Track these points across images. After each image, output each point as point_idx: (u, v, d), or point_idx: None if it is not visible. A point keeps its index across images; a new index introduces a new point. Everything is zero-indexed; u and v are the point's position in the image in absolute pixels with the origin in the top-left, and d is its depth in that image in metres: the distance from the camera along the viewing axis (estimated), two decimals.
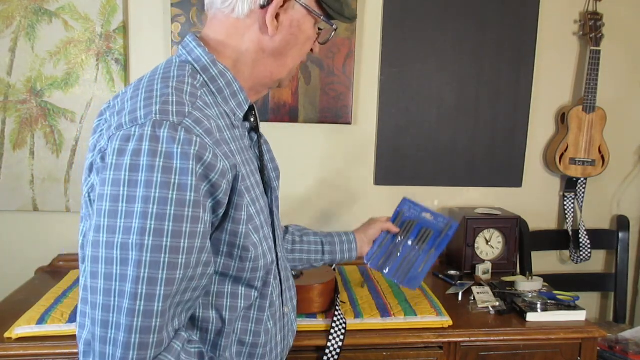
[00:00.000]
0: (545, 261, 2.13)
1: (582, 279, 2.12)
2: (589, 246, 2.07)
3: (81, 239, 0.82)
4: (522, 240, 2.00)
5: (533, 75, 2.01)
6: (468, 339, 1.41)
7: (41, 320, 1.36)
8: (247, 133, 0.93)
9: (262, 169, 0.94)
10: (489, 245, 1.90)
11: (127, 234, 0.68)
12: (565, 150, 2.01)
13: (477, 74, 1.98)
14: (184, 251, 0.70)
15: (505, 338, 1.43)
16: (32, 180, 1.83)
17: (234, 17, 0.85)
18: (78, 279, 1.50)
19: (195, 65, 0.84)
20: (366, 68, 1.94)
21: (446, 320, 1.42)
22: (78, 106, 1.81)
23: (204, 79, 0.84)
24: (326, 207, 1.96)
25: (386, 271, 1.36)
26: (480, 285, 1.69)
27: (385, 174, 1.99)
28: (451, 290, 1.67)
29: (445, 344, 1.40)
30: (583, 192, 2.08)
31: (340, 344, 1.32)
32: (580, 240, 2.07)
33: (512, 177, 2.06)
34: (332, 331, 1.33)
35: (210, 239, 0.78)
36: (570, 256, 2.10)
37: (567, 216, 2.09)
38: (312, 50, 0.95)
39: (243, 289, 0.84)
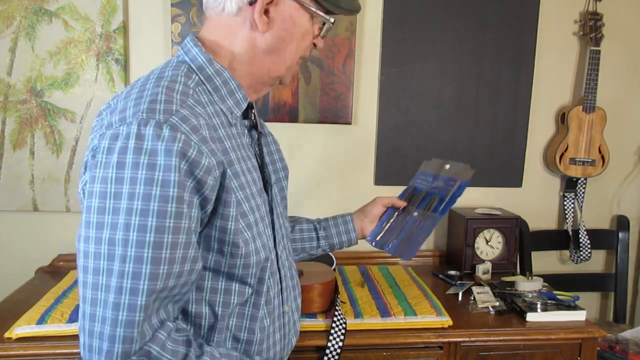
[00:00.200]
0: (545, 261, 2.13)
1: (582, 279, 2.12)
2: (589, 246, 2.07)
3: None
4: (522, 240, 2.00)
5: (533, 75, 2.01)
6: (468, 339, 1.41)
7: (41, 320, 1.36)
8: (246, 131, 0.94)
9: (261, 167, 0.94)
10: (489, 245, 1.90)
11: (113, 229, 0.70)
12: (565, 150, 2.01)
13: (477, 74, 1.98)
14: (167, 246, 0.72)
15: (505, 338, 1.43)
16: (32, 180, 1.83)
17: (225, 16, 0.86)
18: None
19: (192, 65, 0.85)
20: (366, 68, 1.94)
21: (446, 320, 1.42)
22: (78, 106, 1.81)
23: (200, 78, 0.85)
24: (326, 207, 1.95)
25: (388, 248, 1.22)
26: (480, 285, 1.69)
27: (385, 174, 1.99)
28: (451, 290, 1.67)
29: (445, 344, 1.40)
30: (583, 192, 2.08)
31: (340, 344, 1.32)
32: (580, 240, 2.07)
33: (512, 177, 2.06)
34: (332, 331, 1.33)
35: (201, 235, 0.79)
36: (570, 256, 2.10)
37: (567, 216, 2.09)
38: (315, 45, 0.93)
39: (237, 285, 0.85)
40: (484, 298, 1.58)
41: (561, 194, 2.12)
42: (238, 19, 0.85)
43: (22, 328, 1.32)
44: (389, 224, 1.25)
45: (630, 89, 2.10)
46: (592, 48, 1.96)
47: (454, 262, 1.95)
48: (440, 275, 1.83)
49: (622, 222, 2.13)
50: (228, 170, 0.79)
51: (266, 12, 0.84)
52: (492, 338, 1.42)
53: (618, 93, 2.08)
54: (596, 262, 2.16)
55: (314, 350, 1.34)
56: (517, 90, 2.00)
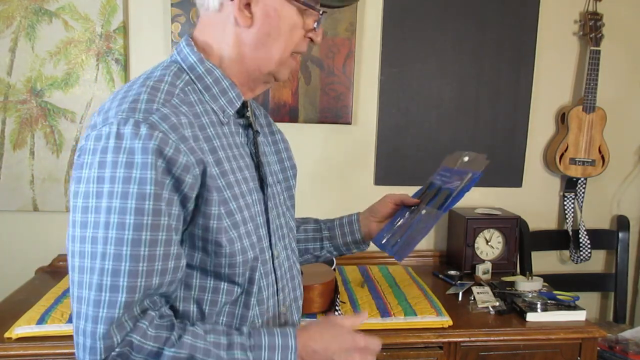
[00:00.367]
0: (545, 261, 2.13)
1: (582, 279, 2.12)
2: (589, 246, 2.07)
3: None
4: (522, 240, 2.00)
5: (533, 75, 2.01)
6: (468, 339, 1.41)
7: (41, 320, 1.36)
8: (241, 130, 0.92)
9: (257, 166, 0.92)
10: (489, 245, 1.90)
11: (95, 228, 0.72)
12: (565, 150, 2.01)
13: (477, 74, 1.98)
14: (146, 243, 0.72)
15: (505, 338, 1.43)
16: (32, 180, 1.83)
17: (211, 14, 0.86)
18: None
19: (183, 65, 0.86)
20: (366, 68, 1.94)
21: (446, 320, 1.42)
22: (78, 106, 1.81)
23: (190, 77, 0.85)
24: (326, 208, 1.95)
25: (389, 249, 1.10)
26: (480, 285, 1.69)
27: (385, 174, 1.99)
28: (451, 290, 1.67)
29: (445, 344, 1.40)
30: (583, 192, 2.08)
31: None
32: (580, 240, 2.07)
33: (512, 177, 2.06)
34: None
35: (186, 233, 0.80)
36: (570, 256, 2.10)
37: (567, 216, 2.09)
38: (312, 40, 0.90)
39: (225, 284, 0.84)
40: (484, 298, 1.58)
41: (561, 194, 2.12)
42: (222, 16, 0.85)
43: (22, 328, 1.32)
44: (398, 224, 1.12)
45: (630, 89, 2.10)
46: (592, 48, 1.96)
47: (454, 262, 1.95)
48: (440, 275, 1.83)
49: (622, 222, 2.13)
50: (211, 168, 0.79)
51: (248, 6, 0.83)
52: (492, 338, 1.42)
53: (618, 93, 2.08)
54: (596, 262, 2.16)
55: None
56: (517, 90, 2.00)
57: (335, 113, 1.92)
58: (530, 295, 1.58)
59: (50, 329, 1.33)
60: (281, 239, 0.97)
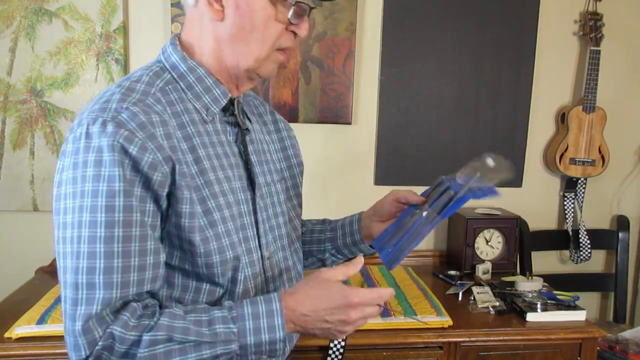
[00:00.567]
0: (545, 261, 2.13)
1: (582, 279, 2.12)
2: (589, 246, 2.07)
3: None
4: (522, 240, 2.00)
5: (533, 75, 2.01)
6: (468, 339, 1.41)
7: (41, 320, 1.36)
8: (228, 128, 0.90)
9: (246, 164, 0.90)
10: (489, 245, 1.90)
11: (71, 228, 0.73)
12: (565, 150, 2.01)
13: (477, 74, 1.98)
14: (119, 240, 0.73)
15: (505, 338, 1.43)
16: (32, 180, 1.83)
17: (189, 10, 0.85)
18: None
19: (165, 64, 0.86)
20: (366, 68, 1.94)
21: (446, 320, 1.42)
22: (78, 106, 1.81)
23: (172, 76, 0.85)
24: (326, 208, 1.95)
25: (383, 256, 0.98)
26: (480, 285, 1.69)
27: (385, 174, 1.99)
28: (451, 290, 1.67)
29: (445, 344, 1.40)
30: (583, 192, 2.08)
31: (342, 343, 1.32)
32: (580, 240, 2.07)
33: (512, 177, 2.06)
34: None
35: (164, 231, 0.79)
36: (570, 256, 2.10)
37: (567, 216, 2.09)
38: (294, 33, 0.85)
39: (207, 285, 0.83)
40: (484, 298, 1.58)
41: (561, 194, 2.12)
42: (198, 11, 0.84)
43: (22, 328, 1.32)
44: (398, 227, 1.01)
45: (630, 89, 2.10)
46: (592, 48, 1.96)
47: (454, 262, 1.95)
48: (440, 275, 1.83)
49: (622, 222, 2.12)
50: (182, 166, 0.78)
51: None
52: (492, 338, 1.42)
53: (618, 93, 2.08)
54: (596, 262, 2.16)
55: (317, 350, 1.35)
56: (517, 90, 2.00)
57: (335, 113, 1.92)
58: (530, 295, 1.58)
59: (50, 329, 1.33)
60: (277, 240, 0.94)
